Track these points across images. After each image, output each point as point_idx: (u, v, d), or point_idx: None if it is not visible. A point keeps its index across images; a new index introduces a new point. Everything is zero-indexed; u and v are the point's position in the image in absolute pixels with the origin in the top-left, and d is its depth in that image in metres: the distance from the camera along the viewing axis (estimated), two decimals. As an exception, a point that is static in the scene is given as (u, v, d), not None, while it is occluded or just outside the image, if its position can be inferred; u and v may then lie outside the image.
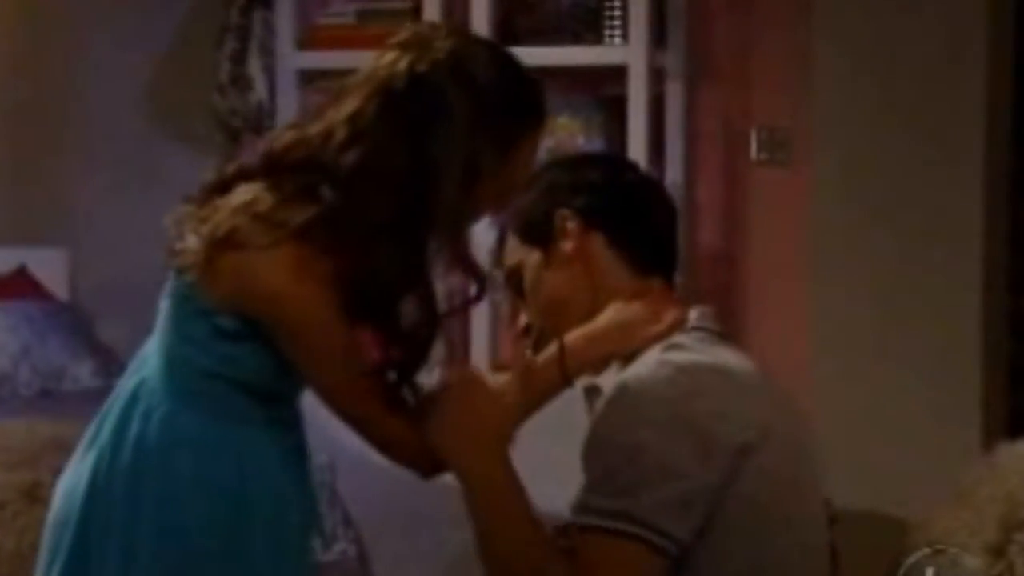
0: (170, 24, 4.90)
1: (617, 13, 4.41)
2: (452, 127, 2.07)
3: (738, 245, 4.46)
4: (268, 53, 4.60)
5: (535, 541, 2.15)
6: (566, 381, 2.30)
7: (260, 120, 4.60)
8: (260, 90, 4.60)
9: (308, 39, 4.59)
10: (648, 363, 2.22)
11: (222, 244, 2.05)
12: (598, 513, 2.13)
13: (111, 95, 4.91)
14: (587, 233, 2.34)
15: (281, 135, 2.15)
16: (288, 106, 4.53)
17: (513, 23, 4.52)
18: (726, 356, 2.26)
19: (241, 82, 4.61)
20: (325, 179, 2.08)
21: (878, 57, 4.24)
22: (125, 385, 2.18)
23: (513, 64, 2.17)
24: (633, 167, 2.49)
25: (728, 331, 2.39)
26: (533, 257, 2.37)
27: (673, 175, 4.40)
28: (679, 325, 2.30)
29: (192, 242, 2.08)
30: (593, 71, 4.47)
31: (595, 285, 2.34)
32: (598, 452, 2.17)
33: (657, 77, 4.39)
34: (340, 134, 2.08)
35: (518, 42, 4.39)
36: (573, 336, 2.31)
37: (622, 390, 2.19)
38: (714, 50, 4.47)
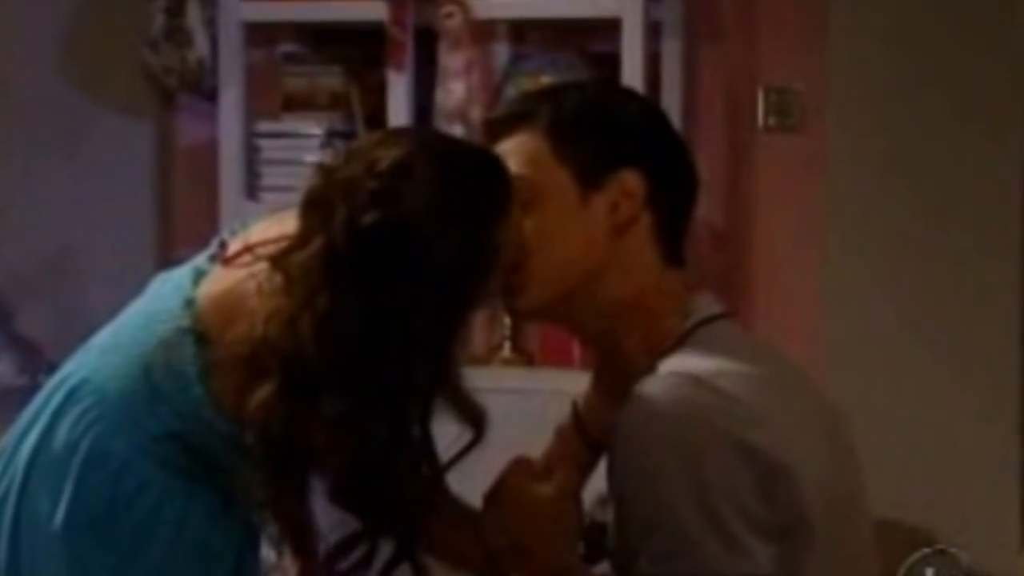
0: (93, -30, 4.48)
1: (608, -41, 4.10)
2: (422, 261, 1.89)
3: (743, 221, 4.25)
4: (210, 3, 4.19)
5: None
6: (594, 450, 2.13)
7: (200, 80, 4.22)
8: (200, 46, 4.20)
9: (256, -13, 4.19)
10: (653, 384, 1.95)
11: None
12: None
13: (25, 52, 4.44)
14: (642, 211, 2.04)
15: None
16: (232, 64, 4.15)
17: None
18: (744, 355, 2.03)
19: (178, 37, 4.21)
20: (321, 386, 1.90)
21: (903, 8, 4.03)
22: (60, 378, 2.06)
23: (456, 157, 1.98)
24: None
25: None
26: (559, 177, 2.01)
27: (671, 142, 4.13)
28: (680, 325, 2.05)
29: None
30: (581, 25, 4.18)
31: (614, 268, 2.04)
32: (630, 505, 1.95)
33: (653, 32, 4.11)
34: (305, 328, 1.89)
35: (497, -8, 4.11)
36: (583, 398, 2.14)
37: (631, 421, 1.95)
38: (717, 1, 4.26)
